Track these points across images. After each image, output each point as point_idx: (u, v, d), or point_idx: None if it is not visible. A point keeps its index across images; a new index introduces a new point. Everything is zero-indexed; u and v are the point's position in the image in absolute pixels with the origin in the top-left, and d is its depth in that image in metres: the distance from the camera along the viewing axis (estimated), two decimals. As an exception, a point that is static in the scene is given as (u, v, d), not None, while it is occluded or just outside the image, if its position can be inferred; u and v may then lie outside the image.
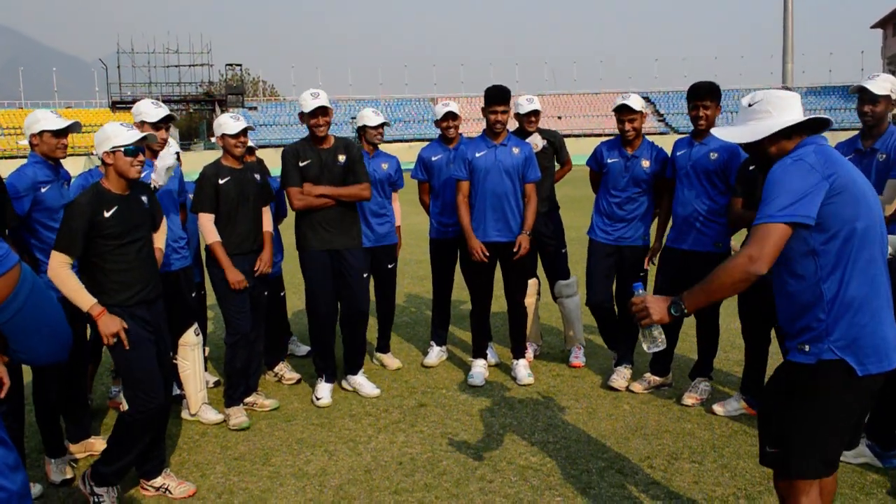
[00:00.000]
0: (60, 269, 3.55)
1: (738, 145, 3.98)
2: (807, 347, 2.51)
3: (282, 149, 5.36)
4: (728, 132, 2.76)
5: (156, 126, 4.49)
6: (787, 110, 2.62)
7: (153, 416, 3.73)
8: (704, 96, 4.79)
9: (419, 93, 72.96)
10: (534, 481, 3.91)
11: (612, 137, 5.43)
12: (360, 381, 5.38)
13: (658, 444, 4.33)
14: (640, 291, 2.70)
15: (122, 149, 3.68)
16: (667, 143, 5.51)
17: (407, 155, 21.20)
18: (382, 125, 5.77)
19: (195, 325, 4.96)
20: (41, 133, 4.08)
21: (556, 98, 71.86)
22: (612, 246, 5.31)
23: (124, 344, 3.60)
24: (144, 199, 3.92)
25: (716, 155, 4.77)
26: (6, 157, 48.78)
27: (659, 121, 68.24)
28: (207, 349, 5.91)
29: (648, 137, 5.30)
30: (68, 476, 4.14)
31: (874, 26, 67.39)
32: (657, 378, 5.23)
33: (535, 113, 5.85)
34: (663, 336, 2.69)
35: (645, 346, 2.72)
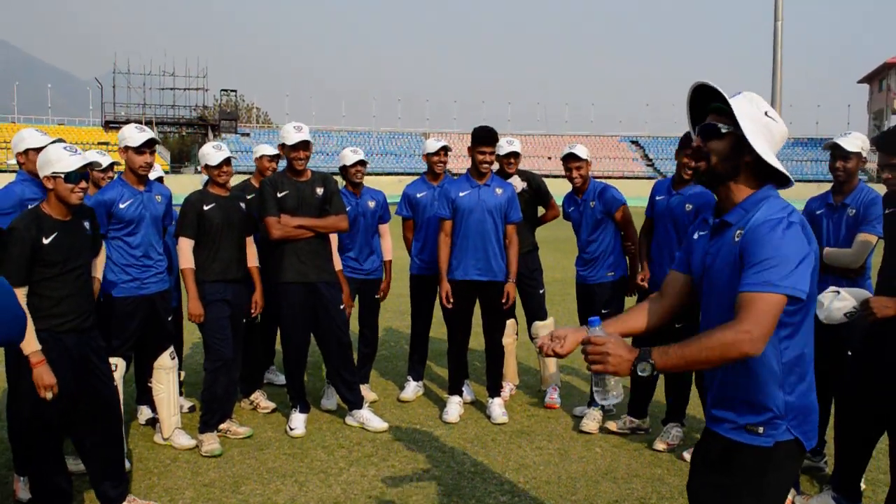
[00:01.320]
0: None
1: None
2: (761, 429, 2.23)
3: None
4: (745, 120, 2.22)
5: (139, 150, 4.52)
6: (776, 149, 2.31)
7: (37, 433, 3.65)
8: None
9: (412, 127, 73.52)
10: (501, 520, 3.93)
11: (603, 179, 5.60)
12: (367, 416, 5.36)
13: (627, 488, 4.36)
14: (598, 329, 2.23)
15: (63, 175, 3.57)
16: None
17: (397, 188, 21.35)
18: (361, 163, 5.84)
19: (171, 349, 4.97)
20: (26, 151, 4.12)
21: (546, 139, 72.61)
22: (586, 285, 5.52)
23: (51, 394, 3.46)
24: (87, 224, 3.83)
25: (690, 207, 4.87)
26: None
27: (648, 165, 69.00)
28: (183, 374, 5.91)
29: (637, 182, 5.50)
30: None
31: (861, 81, 68.84)
32: (634, 420, 5.28)
33: (515, 155, 5.96)
34: (620, 388, 2.26)
35: (597, 398, 2.28)
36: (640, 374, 2.10)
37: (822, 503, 4.07)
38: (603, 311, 5.33)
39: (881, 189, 4.07)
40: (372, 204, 5.90)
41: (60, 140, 4.21)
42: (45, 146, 4.08)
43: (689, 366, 2.14)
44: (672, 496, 4.25)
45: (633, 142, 74.17)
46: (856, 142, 4.24)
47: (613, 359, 2.12)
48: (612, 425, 5.26)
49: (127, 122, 62.66)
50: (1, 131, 57.70)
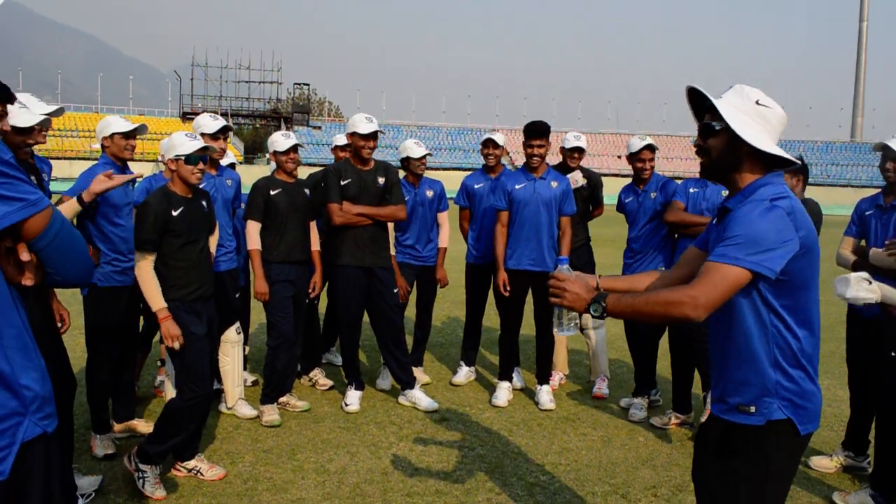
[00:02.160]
0: (144, 270, 3.94)
1: None
2: (752, 409, 2.31)
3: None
4: (732, 114, 2.32)
5: (213, 136, 4.87)
6: (776, 135, 2.38)
7: (199, 405, 4.04)
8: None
9: (480, 123, 73.69)
10: (539, 497, 4.10)
11: (689, 178, 5.65)
12: (418, 396, 5.59)
13: (666, 475, 4.48)
14: (565, 267, 2.43)
15: (184, 157, 4.04)
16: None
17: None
18: (425, 156, 6.09)
19: (237, 324, 5.29)
20: (112, 135, 4.44)
21: (616, 137, 71.82)
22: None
23: (179, 345, 3.95)
24: (204, 203, 4.29)
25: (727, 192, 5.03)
26: (80, 159, 50.85)
27: (720, 167, 67.63)
28: (247, 349, 6.24)
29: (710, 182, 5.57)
30: (110, 451, 4.49)
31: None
32: (679, 415, 5.36)
33: (580, 150, 6.11)
34: (577, 322, 2.49)
35: (555, 329, 2.51)
36: (592, 313, 2.28)
37: (859, 500, 4.12)
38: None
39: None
40: (430, 193, 6.11)
41: (144, 126, 4.56)
42: (131, 130, 4.45)
43: (636, 315, 2.28)
44: (710, 484, 4.34)
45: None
46: None
47: (570, 295, 2.32)
48: (656, 420, 5.35)
49: (204, 112, 64.70)
50: (85, 121, 60.19)
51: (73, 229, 1.80)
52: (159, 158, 4.25)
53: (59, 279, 1.81)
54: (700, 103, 2.45)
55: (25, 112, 3.58)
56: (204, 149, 4.12)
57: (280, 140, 5.27)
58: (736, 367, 2.35)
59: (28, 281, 1.74)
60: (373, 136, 5.34)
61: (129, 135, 4.45)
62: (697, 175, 5.34)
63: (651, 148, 5.56)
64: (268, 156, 5.50)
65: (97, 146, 4.61)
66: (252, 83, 68.49)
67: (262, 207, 5.23)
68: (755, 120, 2.33)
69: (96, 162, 4.50)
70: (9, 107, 3.38)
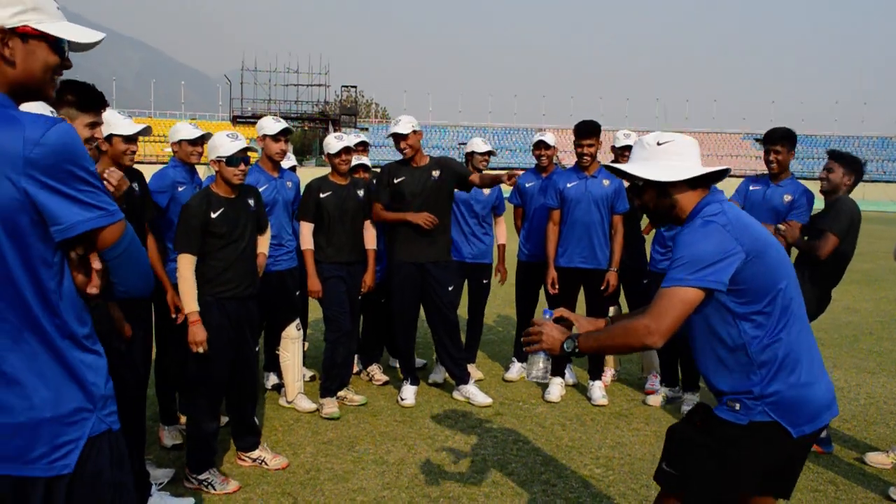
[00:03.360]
0: (185, 270, 4.02)
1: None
2: (737, 406, 2.39)
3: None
4: (640, 168, 2.51)
5: (274, 138, 5.04)
6: (694, 158, 2.52)
7: (210, 406, 4.15)
8: (777, 141, 5.03)
9: (527, 122, 73.53)
10: (594, 490, 4.18)
11: (750, 176, 5.64)
12: (473, 391, 5.70)
13: (720, 469, 4.51)
14: (547, 317, 2.71)
15: (225, 159, 4.10)
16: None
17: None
18: (489, 153, 6.21)
19: (297, 321, 5.45)
20: (180, 142, 4.75)
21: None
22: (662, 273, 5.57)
23: (201, 349, 4.01)
24: (251, 202, 4.34)
25: (789, 198, 4.98)
26: (137, 163, 52.18)
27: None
28: (307, 345, 6.42)
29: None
30: (178, 441, 4.70)
31: None
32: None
33: (629, 148, 6.15)
34: (549, 368, 2.69)
35: (525, 373, 2.62)
36: (565, 349, 2.47)
37: None
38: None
39: None
40: (487, 192, 6.21)
41: (209, 134, 4.77)
42: (198, 137, 4.74)
43: (602, 348, 2.49)
44: (764, 479, 4.37)
45: (757, 139, 71.53)
46: None
47: (546, 338, 2.50)
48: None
49: (253, 116, 65.82)
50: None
51: (140, 245, 1.88)
52: (149, 151, 4.53)
53: (122, 290, 1.86)
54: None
55: (126, 121, 3.78)
56: (244, 150, 4.18)
57: (332, 142, 5.38)
58: (722, 372, 2.45)
59: (94, 289, 1.79)
60: (402, 136, 5.48)
61: (195, 142, 4.74)
62: (749, 173, 5.33)
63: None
64: (323, 157, 5.64)
65: (169, 150, 4.87)
66: (300, 86, 69.44)
67: (313, 208, 5.35)
68: (664, 158, 2.48)
69: (167, 164, 4.77)
70: (110, 116, 3.60)
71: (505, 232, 6.50)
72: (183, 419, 4.97)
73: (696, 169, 2.47)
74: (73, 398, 1.75)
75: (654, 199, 2.54)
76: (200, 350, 3.99)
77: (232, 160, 4.09)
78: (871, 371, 6.70)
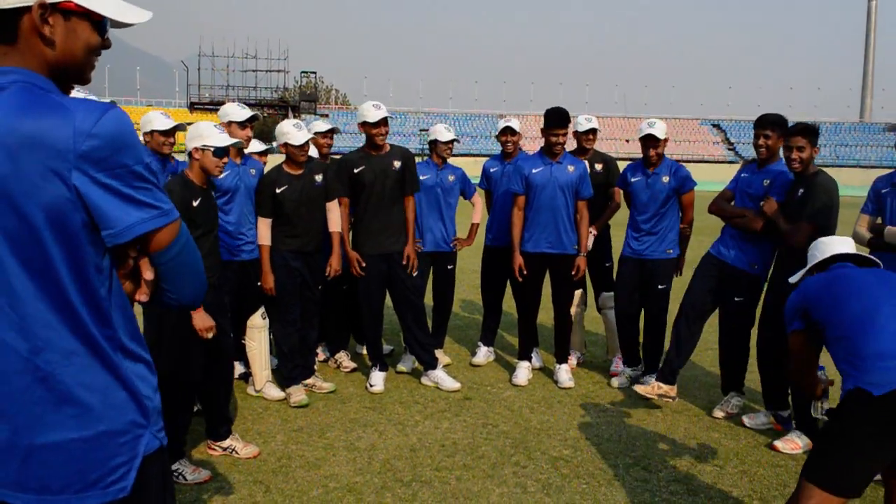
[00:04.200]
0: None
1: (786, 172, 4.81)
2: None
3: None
4: None
5: (241, 125, 4.96)
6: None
7: (178, 391, 4.05)
8: (767, 126, 5.01)
9: (488, 109, 73.64)
10: (564, 470, 4.26)
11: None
12: (441, 376, 5.74)
13: (685, 448, 4.63)
14: (821, 372, 3.27)
15: (212, 149, 4.11)
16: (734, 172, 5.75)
17: (472, 169, 21.73)
18: (452, 141, 6.21)
19: (262, 310, 5.41)
20: (152, 132, 4.69)
21: (624, 121, 71.66)
22: (640, 260, 5.66)
23: (211, 334, 4.05)
24: (214, 194, 4.38)
25: (767, 182, 5.02)
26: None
27: (729, 149, 67.44)
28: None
29: (717, 166, 5.62)
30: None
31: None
32: (739, 398, 5.34)
33: (594, 131, 6.22)
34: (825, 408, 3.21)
35: (813, 413, 3.27)
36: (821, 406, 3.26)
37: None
38: (660, 287, 5.58)
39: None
40: (451, 178, 6.22)
41: (182, 125, 4.75)
42: (170, 128, 4.67)
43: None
44: (726, 457, 4.49)
45: (714, 125, 72.54)
46: None
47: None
48: (717, 413, 5.27)
49: (211, 103, 64.89)
50: (95, 112, 60.42)
51: (195, 248, 1.71)
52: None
53: (174, 297, 1.70)
54: None
55: (163, 116, 3.75)
56: (232, 144, 4.22)
57: (293, 132, 5.21)
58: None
59: (143, 297, 1.65)
60: (383, 122, 5.46)
61: (168, 132, 4.70)
62: (707, 158, 5.36)
63: (652, 138, 5.53)
64: (275, 144, 5.47)
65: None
66: (259, 72, 68.61)
67: (270, 204, 5.23)
68: None
69: None
70: (150, 111, 3.56)
71: (480, 212, 6.50)
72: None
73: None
74: (128, 412, 1.59)
75: None
76: (210, 335, 4.03)
77: (219, 151, 4.10)
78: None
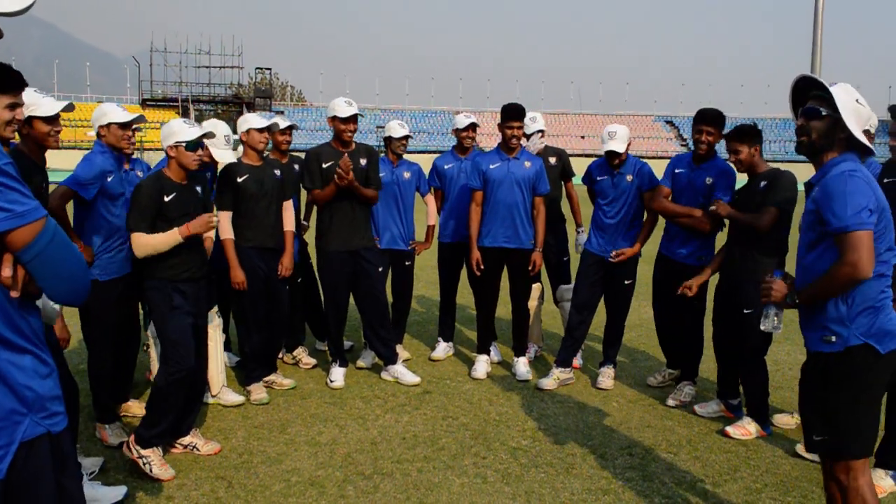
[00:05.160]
0: (142, 239, 4.07)
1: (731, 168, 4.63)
2: (833, 338, 2.85)
3: (304, 153, 5.83)
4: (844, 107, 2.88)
5: (122, 126, 4.50)
6: (862, 127, 2.96)
7: (183, 380, 4.16)
8: (710, 122, 5.17)
9: (445, 105, 73.70)
10: (523, 460, 4.35)
11: (674, 157, 5.76)
12: (401, 371, 5.79)
13: (639, 436, 4.75)
14: (777, 276, 3.08)
15: (185, 144, 4.16)
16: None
17: (429, 165, 21.77)
18: (406, 137, 6.24)
19: (215, 308, 5.31)
20: (109, 125, 4.40)
21: (580, 118, 72.34)
22: (601, 255, 5.72)
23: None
24: (199, 189, 4.38)
25: (710, 180, 5.17)
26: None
27: (682, 145, 68.49)
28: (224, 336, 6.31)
29: (669, 161, 5.69)
30: (124, 439, 4.42)
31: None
32: (672, 371, 5.70)
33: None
34: (781, 319, 3.06)
35: (762, 326, 3.08)
36: (788, 301, 3.00)
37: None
38: (626, 283, 5.69)
39: None
40: (407, 175, 6.26)
41: (142, 116, 4.56)
42: (129, 120, 4.42)
43: (819, 297, 2.88)
44: (679, 444, 4.63)
45: (667, 122, 73.59)
46: None
47: (776, 292, 3.02)
48: (651, 380, 5.79)
49: (163, 99, 63.84)
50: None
51: (68, 247, 1.76)
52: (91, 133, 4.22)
53: (49, 294, 1.78)
54: (802, 92, 3.02)
55: (47, 100, 3.63)
56: (204, 135, 4.25)
57: (256, 119, 5.30)
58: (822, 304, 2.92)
59: (14, 293, 1.70)
60: (353, 119, 5.49)
61: (127, 125, 4.41)
62: (661, 154, 5.46)
63: (614, 154, 5.53)
64: (238, 137, 5.43)
65: (92, 134, 4.54)
66: (213, 68, 67.67)
67: (231, 195, 5.22)
68: (853, 114, 2.87)
69: (92, 150, 4.46)
70: (29, 97, 3.45)
71: (434, 213, 6.54)
72: (134, 409, 4.93)
73: (864, 138, 2.90)
74: (2, 402, 1.66)
75: (824, 131, 2.91)
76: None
77: (191, 145, 4.15)
78: (777, 340, 7.09)
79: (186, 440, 4.40)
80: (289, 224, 5.48)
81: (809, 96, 2.96)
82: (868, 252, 2.72)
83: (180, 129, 4.19)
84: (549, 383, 5.68)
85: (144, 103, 62.97)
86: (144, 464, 4.04)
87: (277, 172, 5.40)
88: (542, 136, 6.39)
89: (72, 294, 1.79)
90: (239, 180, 5.20)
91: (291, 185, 5.60)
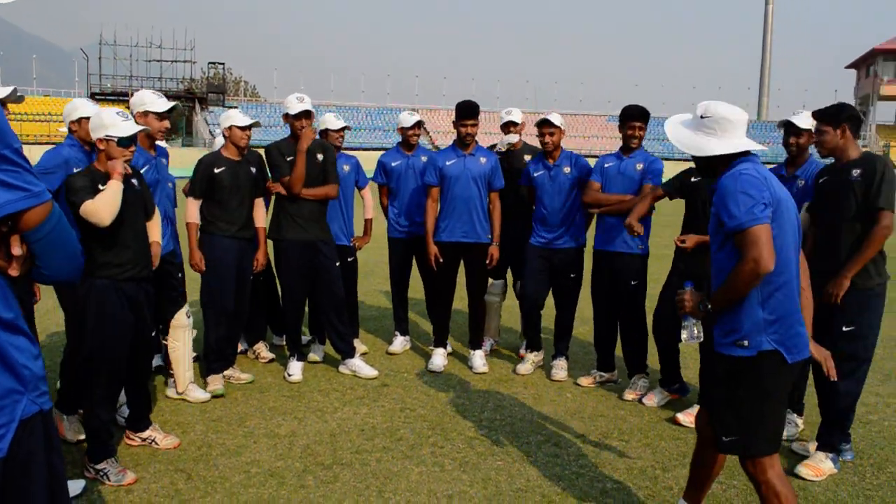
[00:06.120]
0: (89, 207, 3.78)
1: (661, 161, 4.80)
2: (746, 342, 2.91)
3: (261, 149, 5.82)
4: (679, 136, 3.13)
5: (161, 116, 4.82)
6: (732, 133, 3.03)
7: (106, 371, 4.04)
8: (639, 118, 5.47)
9: (400, 102, 73.56)
10: (479, 449, 4.44)
11: (605, 154, 5.93)
12: (359, 364, 5.85)
13: (593, 425, 4.88)
14: (689, 288, 3.12)
15: (116, 139, 3.95)
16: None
17: (384, 162, 21.70)
18: (343, 129, 6.24)
19: (186, 307, 5.32)
20: (79, 120, 4.41)
21: (534, 116, 72.81)
22: (550, 250, 5.84)
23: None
24: (135, 182, 4.16)
25: (640, 166, 5.47)
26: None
27: (634, 145, 69.45)
28: (195, 332, 6.28)
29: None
30: (81, 437, 4.40)
31: (848, 67, 69.42)
32: (603, 374, 5.79)
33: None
34: (700, 330, 3.11)
35: (684, 336, 3.12)
36: (701, 310, 3.04)
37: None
38: (571, 276, 5.83)
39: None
40: (346, 168, 6.23)
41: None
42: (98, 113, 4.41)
43: (730, 300, 2.95)
44: (631, 432, 4.77)
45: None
46: (808, 120, 4.59)
47: (689, 303, 3.07)
48: (583, 381, 5.75)
49: (113, 94, 62.54)
50: (-13, 102, 57.32)
51: (69, 228, 1.83)
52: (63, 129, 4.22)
53: (47, 274, 1.82)
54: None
55: (91, 103, 3.55)
56: (139, 132, 4.07)
57: (238, 115, 5.34)
58: (736, 308, 2.97)
59: (14, 272, 1.75)
60: (304, 114, 5.52)
61: None
62: (611, 152, 5.65)
63: (547, 123, 5.73)
64: (219, 131, 5.47)
65: (64, 130, 4.54)
66: (164, 62, 66.46)
67: (205, 185, 5.30)
68: (705, 132, 3.08)
69: (63, 142, 4.46)
70: (77, 98, 3.38)
71: (371, 207, 6.57)
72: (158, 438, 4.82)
73: (723, 147, 3.04)
74: (3, 380, 1.71)
75: (699, 161, 3.17)
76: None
77: (124, 141, 3.96)
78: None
79: (145, 434, 4.40)
80: (259, 220, 5.58)
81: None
82: (767, 245, 2.78)
83: (113, 123, 3.95)
84: (525, 368, 5.97)
85: (93, 97, 61.54)
86: (102, 476, 3.95)
87: (253, 170, 5.50)
88: (515, 130, 6.42)
89: (74, 272, 1.88)
90: (216, 171, 5.31)
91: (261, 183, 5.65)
